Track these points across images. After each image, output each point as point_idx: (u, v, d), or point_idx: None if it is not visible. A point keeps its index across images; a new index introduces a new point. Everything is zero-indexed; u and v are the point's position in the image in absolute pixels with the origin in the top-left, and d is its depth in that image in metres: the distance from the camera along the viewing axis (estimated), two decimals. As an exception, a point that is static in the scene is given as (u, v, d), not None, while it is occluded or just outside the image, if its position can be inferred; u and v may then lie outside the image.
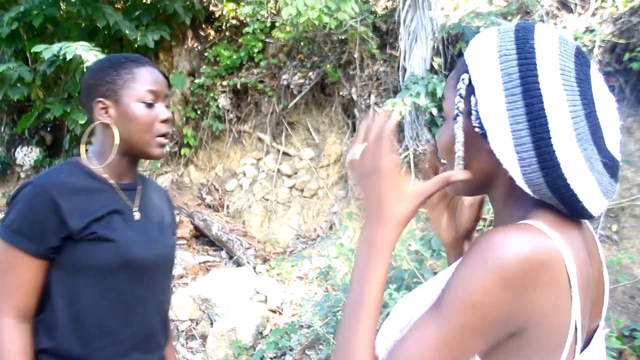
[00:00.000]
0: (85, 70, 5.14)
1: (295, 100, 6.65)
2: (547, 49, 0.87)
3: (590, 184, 0.86)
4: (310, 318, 3.75)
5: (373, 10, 6.32)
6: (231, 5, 7.51)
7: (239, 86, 7.01)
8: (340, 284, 4.24)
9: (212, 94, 7.07)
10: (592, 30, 5.14)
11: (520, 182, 0.88)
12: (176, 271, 5.59)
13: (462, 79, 0.93)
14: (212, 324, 4.87)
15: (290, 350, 4.21)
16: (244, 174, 6.99)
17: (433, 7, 5.51)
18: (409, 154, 5.57)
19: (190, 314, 5.01)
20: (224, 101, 7.06)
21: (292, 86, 6.60)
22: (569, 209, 0.89)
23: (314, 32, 6.47)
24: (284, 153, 6.88)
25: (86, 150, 1.55)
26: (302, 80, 6.59)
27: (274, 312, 4.94)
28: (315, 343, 4.16)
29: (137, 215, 1.56)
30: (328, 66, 6.40)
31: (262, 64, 6.93)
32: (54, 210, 1.39)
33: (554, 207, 0.90)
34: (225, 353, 4.47)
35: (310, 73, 6.59)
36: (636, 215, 4.45)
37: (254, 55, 6.98)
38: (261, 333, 4.67)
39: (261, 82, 6.93)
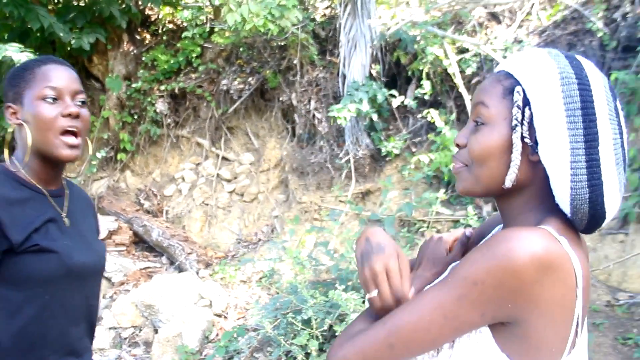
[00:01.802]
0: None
1: (235, 106, 6.68)
2: (597, 80, 0.99)
3: (616, 204, 0.99)
4: (261, 320, 3.80)
5: (312, 17, 6.44)
6: (167, 9, 7.45)
7: (177, 91, 6.96)
8: (287, 287, 4.31)
9: (149, 99, 6.98)
10: (520, 41, 5.45)
11: (565, 194, 0.98)
12: (116, 278, 5.51)
13: (517, 91, 1.01)
14: (155, 330, 4.84)
15: (238, 353, 4.24)
16: (183, 179, 6.95)
17: (372, 16, 5.68)
18: (349, 158, 5.71)
19: (132, 320, 4.95)
20: (161, 106, 6.99)
21: (231, 91, 6.62)
22: (589, 223, 1.00)
23: (254, 38, 6.52)
24: (224, 158, 6.88)
25: (10, 155, 1.55)
26: (241, 86, 6.62)
27: (219, 316, 4.96)
28: (264, 345, 4.21)
29: (66, 222, 1.54)
30: (268, 72, 6.47)
31: (200, 68, 6.92)
32: None
33: (562, 217, 1.02)
34: (172, 359, 4.45)
35: (250, 78, 6.64)
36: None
37: (193, 60, 6.96)
38: (207, 337, 4.68)
39: (200, 86, 6.91)
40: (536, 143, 1.00)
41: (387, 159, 5.70)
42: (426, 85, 5.44)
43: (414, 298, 1.00)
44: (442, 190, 3.98)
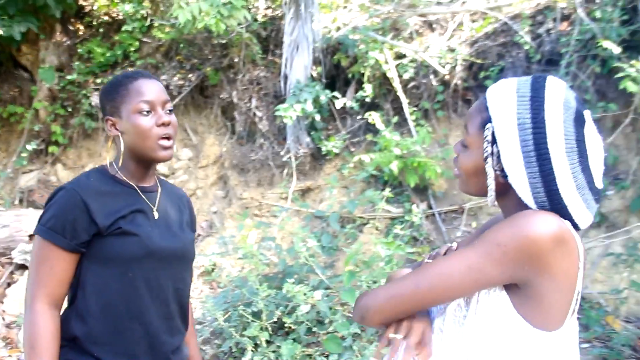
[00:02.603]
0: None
1: (174, 102, 6.68)
2: (554, 119, 1.16)
3: (586, 216, 1.21)
4: (213, 313, 3.91)
5: (255, 17, 6.55)
6: (103, 1, 7.34)
7: (113, 84, 6.87)
8: (235, 280, 4.42)
9: (84, 91, 6.86)
10: (454, 50, 5.80)
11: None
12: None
13: (487, 128, 1.22)
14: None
15: (185, 346, 4.31)
16: (118, 174, 6.87)
17: (315, 19, 5.86)
18: (290, 157, 5.88)
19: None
20: (96, 99, 6.87)
21: (171, 87, 6.62)
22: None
23: (194, 35, 6.56)
24: (161, 153, 6.86)
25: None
26: (181, 82, 6.64)
27: (163, 310, 4.99)
28: (211, 337, 4.31)
29: (156, 215, 1.77)
30: (208, 69, 6.52)
31: (138, 63, 6.87)
32: (85, 210, 1.62)
33: None
34: (117, 352, 4.46)
35: (190, 75, 6.67)
36: (492, 213, 5.12)
37: (130, 54, 6.90)
38: (152, 331, 4.71)
39: (137, 81, 6.85)
40: (505, 173, 1.21)
41: (327, 157, 5.91)
42: (368, 88, 5.68)
43: (447, 258, 1.21)
44: (388, 189, 4.22)
